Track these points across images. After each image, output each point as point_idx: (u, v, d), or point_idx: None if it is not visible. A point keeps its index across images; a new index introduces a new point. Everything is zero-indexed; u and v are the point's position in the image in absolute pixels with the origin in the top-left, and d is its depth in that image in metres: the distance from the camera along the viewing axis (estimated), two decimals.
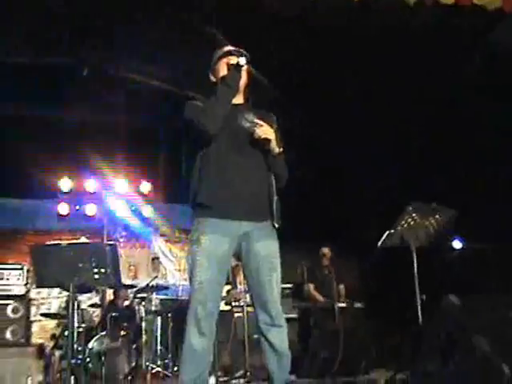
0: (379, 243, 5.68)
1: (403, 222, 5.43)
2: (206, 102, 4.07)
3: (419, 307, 5.36)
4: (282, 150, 4.09)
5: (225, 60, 4.14)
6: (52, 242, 5.75)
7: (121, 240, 11.29)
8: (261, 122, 4.00)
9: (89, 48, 9.90)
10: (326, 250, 9.15)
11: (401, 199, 6.40)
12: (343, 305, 8.54)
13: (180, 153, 9.94)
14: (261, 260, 4.01)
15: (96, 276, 5.21)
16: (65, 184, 10.80)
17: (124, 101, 10.71)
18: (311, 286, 9.08)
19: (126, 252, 11.27)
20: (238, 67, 4.06)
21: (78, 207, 10.97)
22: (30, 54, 9.97)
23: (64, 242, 5.47)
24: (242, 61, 4.08)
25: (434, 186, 8.14)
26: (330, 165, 10.78)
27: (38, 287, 7.24)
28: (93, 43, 9.68)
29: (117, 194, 11.31)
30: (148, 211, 11.60)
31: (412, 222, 5.41)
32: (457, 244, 8.83)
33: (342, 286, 8.99)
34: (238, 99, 4.19)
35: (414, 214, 5.38)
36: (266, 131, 3.97)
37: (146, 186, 11.49)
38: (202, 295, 3.88)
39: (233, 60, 4.09)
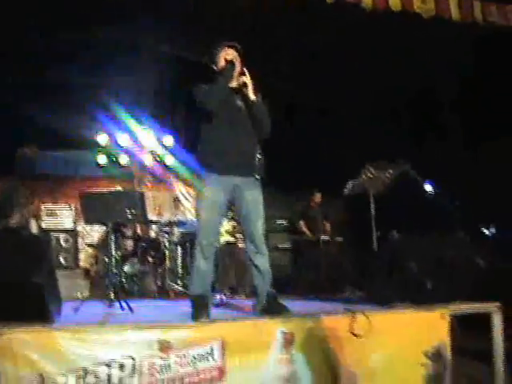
0: (345, 191, 6.32)
1: (364, 176, 6.06)
2: (209, 86, 4.76)
3: (375, 240, 5.99)
4: (258, 98, 4.76)
5: (223, 54, 4.81)
6: (96, 190, 6.40)
7: (148, 184, 11.80)
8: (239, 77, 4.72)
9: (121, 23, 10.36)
10: (317, 195, 9.77)
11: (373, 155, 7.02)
12: (327, 238, 9.22)
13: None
14: (248, 205, 4.72)
15: (129, 216, 5.93)
16: (102, 138, 11.26)
17: (149, 66, 11.14)
18: (302, 223, 9.67)
19: (153, 194, 11.71)
20: (232, 61, 4.74)
21: (113, 158, 11.45)
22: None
23: (105, 190, 6.15)
24: (236, 57, 4.77)
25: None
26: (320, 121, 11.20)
27: (86, 224, 7.90)
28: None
29: (144, 146, 11.79)
30: (170, 160, 12.04)
31: (371, 175, 6.01)
32: (428, 187, 9.23)
33: (327, 224, 9.63)
34: (233, 83, 4.84)
35: (372, 169, 5.98)
36: (244, 79, 4.71)
37: (168, 139, 11.91)
38: (205, 230, 4.64)
39: (229, 55, 4.77)
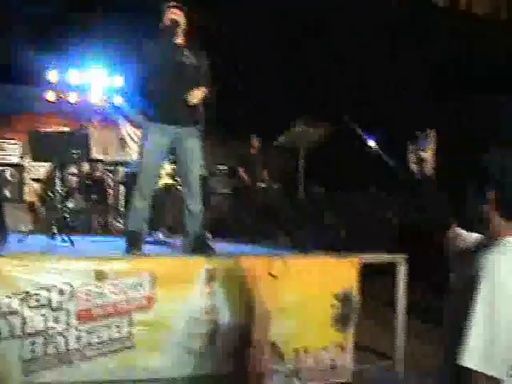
0: (274, 143, 6.77)
1: (294, 130, 6.48)
2: (154, 42, 5.15)
3: (302, 192, 6.40)
4: (208, 91, 5.16)
5: (169, 13, 5.19)
6: (44, 129, 6.72)
7: (95, 123, 12.03)
8: (190, 94, 5.04)
9: None
10: (255, 141, 10.19)
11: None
12: (264, 185, 9.70)
13: None
14: (187, 153, 5.20)
15: (74, 155, 6.32)
16: (52, 75, 11.41)
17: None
18: (241, 170, 10.01)
19: (100, 133, 11.91)
20: (175, 20, 5.14)
21: (62, 95, 11.64)
22: None
23: (51, 130, 6.48)
24: (180, 17, 5.16)
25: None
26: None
27: (33, 161, 8.21)
28: None
29: (94, 85, 11.99)
30: (118, 100, 12.35)
31: (301, 130, 6.43)
32: (371, 143, 9.59)
33: (265, 171, 10.08)
34: (179, 40, 5.27)
35: (301, 125, 6.40)
36: (195, 97, 5.06)
37: (118, 80, 12.11)
38: (145, 173, 5.11)
39: (172, 15, 5.16)
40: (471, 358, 1.90)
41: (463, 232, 2.49)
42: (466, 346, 1.91)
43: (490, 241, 2.14)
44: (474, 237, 2.39)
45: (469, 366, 1.91)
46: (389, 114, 9.91)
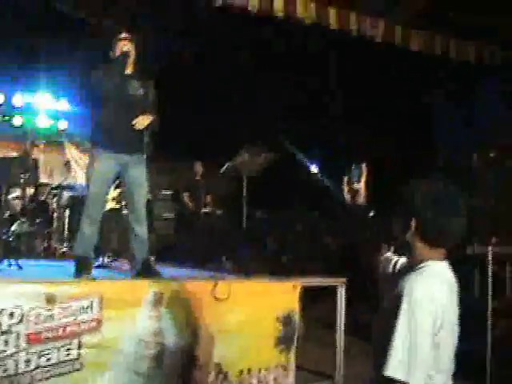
0: (221, 171, 7.02)
1: (238, 159, 6.74)
2: (104, 71, 5.35)
3: (244, 217, 6.64)
4: (154, 117, 5.37)
5: (119, 45, 5.39)
6: None
7: (41, 146, 12.00)
8: (136, 120, 5.24)
9: None
10: (198, 166, 10.40)
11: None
12: (207, 210, 9.92)
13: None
14: (132, 180, 5.39)
15: (22, 180, 6.43)
16: None
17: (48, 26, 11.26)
18: (185, 195, 10.21)
19: (45, 156, 11.74)
20: (126, 52, 5.35)
21: (6, 118, 11.60)
22: None
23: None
24: (130, 49, 5.37)
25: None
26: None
27: None
28: None
29: (39, 108, 12.03)
30: (63, 124, 12.36)
31: (245, 159, 6.68)
32: (313, 168, 9.73)
33: (209, 197, 10.28)
34: (129, 70, 5.46)
35: (246, 154, 6.67)
36: (141, 123, 5.26)
37: (62, 103, 12.22)
38: (92, 200, 5.27)
39: (123, 47, 5.35)
40: (395, 368, 2.15)
41: (392, 256, 2.76)
42: (390, 358, 2.16)
43: (413, 264, 2.41)
44: (401, 261, 2.67)
45: (393, 376, 2.16)
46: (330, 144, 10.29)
